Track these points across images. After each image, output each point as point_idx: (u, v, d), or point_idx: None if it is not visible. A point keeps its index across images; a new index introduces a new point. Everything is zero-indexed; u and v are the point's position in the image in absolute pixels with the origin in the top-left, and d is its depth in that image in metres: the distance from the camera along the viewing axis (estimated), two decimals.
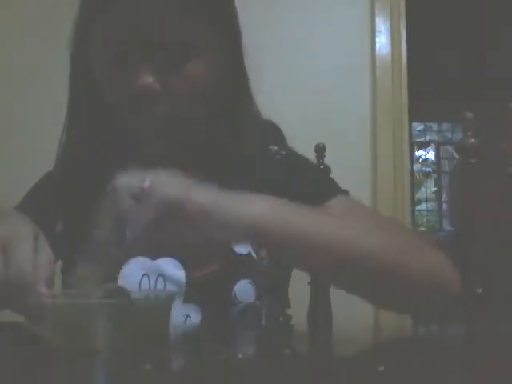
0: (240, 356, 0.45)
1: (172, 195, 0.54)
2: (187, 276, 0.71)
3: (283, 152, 0.80)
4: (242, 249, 0.74)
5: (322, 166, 1.13)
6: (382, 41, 1.95)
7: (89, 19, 0.70)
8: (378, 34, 1.95)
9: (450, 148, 6.58)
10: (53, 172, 0.85)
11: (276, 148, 0.80)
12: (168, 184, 0.55)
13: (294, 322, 0.88)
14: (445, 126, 6.76)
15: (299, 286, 0.92)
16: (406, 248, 0.64)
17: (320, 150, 1.14)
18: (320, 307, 1.09)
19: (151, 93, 0.66)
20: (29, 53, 1.90)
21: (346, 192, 0.76)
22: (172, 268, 0.72)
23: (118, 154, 0.73)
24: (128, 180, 0.55)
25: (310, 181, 0.77)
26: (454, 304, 0.66)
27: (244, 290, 0.73)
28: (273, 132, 0.84)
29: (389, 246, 0.63)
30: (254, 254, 0.74)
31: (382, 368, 0.41)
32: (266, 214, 0.58)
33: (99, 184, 0.61)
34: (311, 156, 1.10)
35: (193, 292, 0.71)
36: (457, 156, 1.10)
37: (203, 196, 0.56)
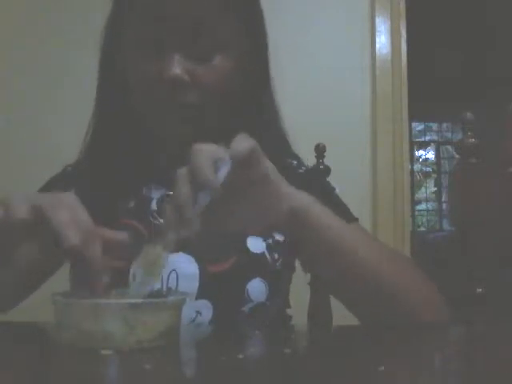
0: (240, 356, 0.45)
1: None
2: (201, 272, 0.71)
3: (303, 167, 0.83)
4: (256, 248, 0.74)
5: (321, 166, 1.13)
6: (382, 41, 1.95)
7: (123, 15, 0.72)
8: (377, 33, 1.95)
9: (450, 148, 6.59)
10: (77, 165, 0.83)
11: (295, 162, 0.82)
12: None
13: (293, 321, 0.88)
14: (445, 126, 6.77)
15: (299, 286, 0.92)
16: (409, 281, 0.65)
17: (320, 150, 1.14)
18: (320, 307, 1.09)
19: (180, 83, 0.68)
20: (29, 53, 1.90)
21: (357, 220, 0.79)
22: (186, 263, 0.71)
23: (145, 151, 0.75)
24: (212, 148, 0.53)
25: (332, 204, 0.78)
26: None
27: (256, 288, 0.73)
28: (282, 138, 0.84)
29: (397, 274, 0.64)
30: (267, 255, 0.75)
31: (382, 368, 0.41)
32: (310, 204, 0.59)
33: (126, 178, 0.67)
34: (311, 156, 1.10)
35: (206, 288, 0.71)
36: (457, 156, 1.10)
37: (268, 163, 0.57)
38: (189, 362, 0.48)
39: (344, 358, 0.48)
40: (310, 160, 0.97)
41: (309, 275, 1.02)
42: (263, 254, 0.75)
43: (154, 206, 0.76)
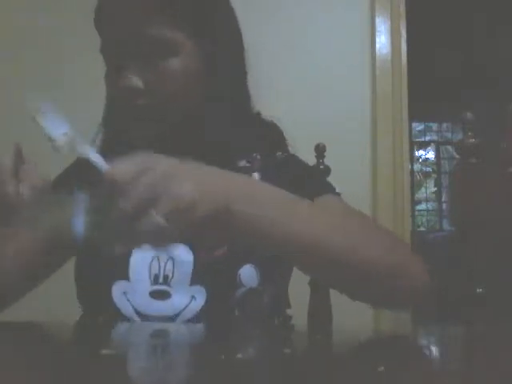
0: (239, 356, 0.45)
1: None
2: (195, 259, 0.75)
3: (285, 154, 0.86)
4: None
5: (322, 166, 1.13)
6: (382, 41, 1.95)
7: (96, 25, 0.79)
8: (377, 33, 1.95)
9: (450, 148, 6.59)
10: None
11: (281, 154, 0.86)
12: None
13: (293, 321, 0.88)
14: (445, 126, 6.77)
15: (299, 286, 0.92)
16: (379, 244, 0.67)
17: (320, 149, 1.14)
18: (320, 307, 1.09)
19: (134, 89, 0.74)
20: (28, 53, 1.90)
21: (338, 194, 0.81)
22: (181, 252, 0.75)
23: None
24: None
25: (304, 176, 0.83)
26: (422, 297, 0.69)
27: (248, 274, 0.76)
28: (275, 134, 0.88)
29: (364, 243, 0.65)
30: None
31: (382, 368, 0.41)
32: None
33: None
34: (311, 156, 1.10)
35: (200, 274, 0.75)
36: (457, 156, 1.10)
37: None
38: (187, 362, 0.48)
39: (344, 357, 0.48)
40: (310, 160, 0.97)
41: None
42: None
43: None
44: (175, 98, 0.76)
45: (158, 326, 0.72)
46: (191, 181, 0.52)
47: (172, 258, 0.76)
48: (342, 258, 0.62)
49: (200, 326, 0.71)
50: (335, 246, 0.62)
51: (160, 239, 0.53)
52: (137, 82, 0.74)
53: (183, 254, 0.75)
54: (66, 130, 0.57)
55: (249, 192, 0.59)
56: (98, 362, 0.43)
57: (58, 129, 0.57)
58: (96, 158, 0.55)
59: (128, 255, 0.76)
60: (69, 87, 1.87)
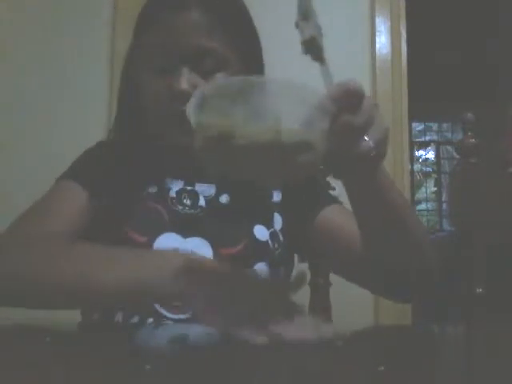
0: (240, 354, 0.45)
1: None
2: (214, 254, 0.78)
3: None
4: (261, 236, 0.82)
5: (322, 166, 1.12)
6: (382, 41, 1.95)
7: (138, 35, 0.83)
8: (377, 33, 1.95)
9: (450, 148, 6.59)
10: (109, 144, 0.91)
11: None
12: None
13: None
14: (445, 126, 6.77)
15: None
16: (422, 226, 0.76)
17: None
18: (320, 307, 1.09)
19: (183, 93, 0.76)
20: (28, 53, 1.90)
21: (340, 202, 0.87)
22: (201, 247, 0.79)
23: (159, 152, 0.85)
24: None
25: (312, 188, 0.88)
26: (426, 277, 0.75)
27: (261, 271, 0.79)
28: None
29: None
30: (270, 243, 0.83)
31: (381, 368, 0.41)
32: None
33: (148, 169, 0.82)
34: None
35: None
36: (457, 156, 1.10)
37: None
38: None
39: (344, 358, 0.48)
40: None
41: (308, 274, 1.02)
42: (267, 241, 0.82)
43: (172, 193, 0.84)
44: None
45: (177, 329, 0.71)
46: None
47: (193, 252, 0.77)
48: (405, 218, 0.68)
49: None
50: (403, 207, 0.68)
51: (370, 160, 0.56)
52: (187, 85, 0.76)
53: (202, 249, 0.78)
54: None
55: None
56: (97, 362, 0.43)
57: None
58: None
59: (151, 245, 0.78)
60: (69, 87, 1.87)
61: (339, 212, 0.85)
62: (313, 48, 0.60)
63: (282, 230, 0.86)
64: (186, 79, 0.76)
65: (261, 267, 0.80)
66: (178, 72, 0.77)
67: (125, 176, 0.84)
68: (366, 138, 0.54)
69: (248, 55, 0.83)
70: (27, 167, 1.78)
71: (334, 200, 0.88)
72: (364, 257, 0.74)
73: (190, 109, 0.50)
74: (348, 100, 0.53)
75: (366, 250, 0.73)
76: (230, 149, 0.48)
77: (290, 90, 0.53)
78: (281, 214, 0.87)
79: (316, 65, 0.63)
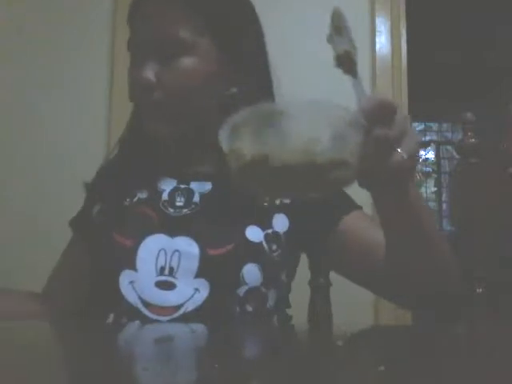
0: (240, 356, 0.45)
1: None
2: (201, 253, 0.77)
3: None
4: (254, 237, 0.80)
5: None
6: (382, 41, 1.95)
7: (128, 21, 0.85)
8: (377, 33, 1.95)
9: (450, 148, 6.59)
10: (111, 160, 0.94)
11: None
12: None
13: (293, 321, 0.88)
14: (445, 126, 6.76)
15: (299, 286, 0.92)
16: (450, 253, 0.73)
17: None
18: (320, 307, 1.09)
19: (148, 85, 0.78)
20: (28, 54, 1.90)
21: (360, 207, 0.86)
22: (188, 245, 0.78)
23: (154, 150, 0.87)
24: None
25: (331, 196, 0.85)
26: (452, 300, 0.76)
27: (251, 273, 0.78)
28: None
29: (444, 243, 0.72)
30: (265, 244, 0.80)
31: (382, 368, 0.41)
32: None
33: (141, 173, 0.84)
34: None
35: (204, 268, 0.77)
36: (457, 156, 1.10)
37: None
38: (187, 364, 0.48)
39: (344, 357, 0.48)
40: None
41: (308, 274, 1.02)
42: (260, 243, 0.80)
43: (165, 196, 0.84)
44: (188, 94, 0.79)
45: (163, 328, 0.71)
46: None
47: (178, 252, 0.78)
48: (432, 239, 0.68)
49: (195, 331, 0.71)
50: (430, 226, 0.68)
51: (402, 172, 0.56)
52: (149, 74, 0.78)
53: (190, 248, 0.78)
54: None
55: None
56: (97, 362, 0.43)
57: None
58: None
59: (137, 247, 0.78)
60: (69, 87, 1.87)
61: (360, 219, 0.83)
62: (346, 62, 0.61)
63: (287, 232, 0.83)
64: (148, 68, 0.79)
65: (251, 268, 0.78)
66: (142, 62, 0.80)
67: (116, 182, 0.88)
68: (398, 150, 0.54)
69: (224, 41, 0.82)
70: (27, 167, 1.78)
71: (355, 206, 0.86)
72: (389, 268, 0.72)
73: (222, 136, 0.51)
74: (381, 113, 0.53)
75: (391, 263, 0.71)
76: (265, 172, 0.48)
77: (317, 108, 0.54)
78: (288, 217, 0.84)
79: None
